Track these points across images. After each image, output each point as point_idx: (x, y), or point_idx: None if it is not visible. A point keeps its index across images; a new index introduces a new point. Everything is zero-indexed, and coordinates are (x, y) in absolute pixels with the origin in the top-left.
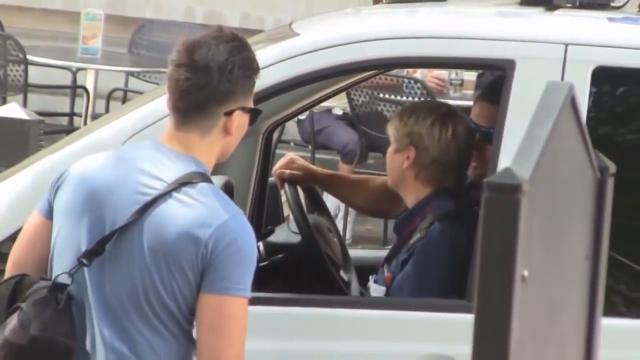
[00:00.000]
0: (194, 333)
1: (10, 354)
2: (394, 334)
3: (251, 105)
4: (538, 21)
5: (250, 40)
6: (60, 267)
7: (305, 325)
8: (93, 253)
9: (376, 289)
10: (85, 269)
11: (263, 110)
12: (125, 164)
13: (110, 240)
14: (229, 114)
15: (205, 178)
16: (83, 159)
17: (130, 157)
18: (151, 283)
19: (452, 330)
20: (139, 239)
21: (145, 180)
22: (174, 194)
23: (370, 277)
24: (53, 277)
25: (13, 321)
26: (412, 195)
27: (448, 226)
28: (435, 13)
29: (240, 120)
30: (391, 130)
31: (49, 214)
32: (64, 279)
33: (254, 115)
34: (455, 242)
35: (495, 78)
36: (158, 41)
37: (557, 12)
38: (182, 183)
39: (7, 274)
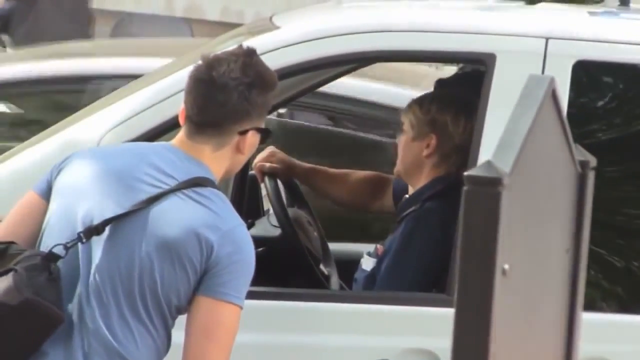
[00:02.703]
0: (177, 334)
1: None
2: (375, 328)
3: (263, 125)
4: (518, 15)
5: (231, 34)
6: (53, 240)
7: (286, 319)
8: (93, 231)
9: (367, 260)
10: (80, 245)
11: None
12: (136, 156)
13: (112, 222)
14: (243, 133)
15: (214, 185)
16: (92, 148)
17: (141, 150)
18: (150, 272)
19: (433, 325)
20: (143, 227)
21: (156, 174)
22: (185, 191)
23: (365, 252)
24: (46, 249)
25: (6, 282)
26: (423, 182)
27: (444, 203)
28: (415, 7)
29: (252, 140)
30: (408, 117)
31: (46, 194)
32: (59, 251)
33: (265, 135)
34: (447, 219)
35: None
36: (138, 34)
37: (538, 5)
38: (193, 183)
39: None
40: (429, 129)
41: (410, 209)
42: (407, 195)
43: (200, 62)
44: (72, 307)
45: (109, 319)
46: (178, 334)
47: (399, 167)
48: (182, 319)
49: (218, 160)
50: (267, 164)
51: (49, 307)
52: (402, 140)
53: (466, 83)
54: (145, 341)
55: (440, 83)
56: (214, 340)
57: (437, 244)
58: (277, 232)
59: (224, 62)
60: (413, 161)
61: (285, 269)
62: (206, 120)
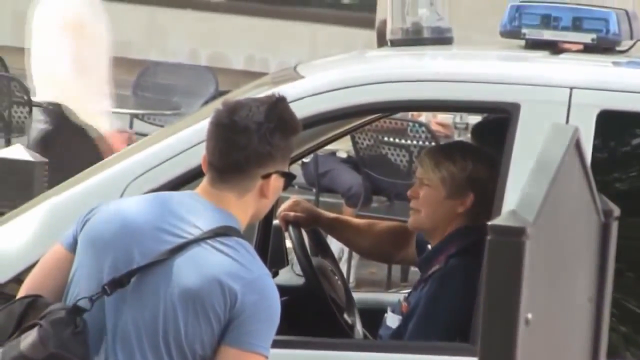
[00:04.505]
0: None
1: None
2: None
3: (287, 168)
4: (543, 65)
5: (255, 83)
6: (80, 292)
7: None
8: (117, 283)
9: (392, 317)
10: (105, 298)
11: None
12: (161, 206)
13: (137, 274)
14: (266, 177)
15: (239, 234)
16: (116, 199)
17: (166, 200)
18: (174, 322)
19: None
20: (167, 278)
21: (180, 224)
22: (209, 241)
23: (389, 308)
24: (72, 301)
25: (31, 336)
26: (446, 235)
27: (467, 260)
28: (439, 56)
29: (276, 184)
30: (440, 174)
31: (72, 246)
32: (84, 304)
33: (289, 179)
34: (472, 276)
35: (484, 119)
36: (162, 83)
37: (562, 55)
38: (217, 233)
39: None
40: (467, 187)
41: (435, 268)
42: (429, 247)
43: (221, 107)
44: (98, 359)
45: None
46: None
47: (425, 222)
48: None
49: (243, 206)
50: (292, 213)
51: None
52: (431, 196)
53: (499, 129)
54: None
55: (476, 132)
56: None
57: (462, 301)
58: (301, 281)
59: (246, 107)
60: (445, 218)
61: (309, 318)
62: (228, 164)
